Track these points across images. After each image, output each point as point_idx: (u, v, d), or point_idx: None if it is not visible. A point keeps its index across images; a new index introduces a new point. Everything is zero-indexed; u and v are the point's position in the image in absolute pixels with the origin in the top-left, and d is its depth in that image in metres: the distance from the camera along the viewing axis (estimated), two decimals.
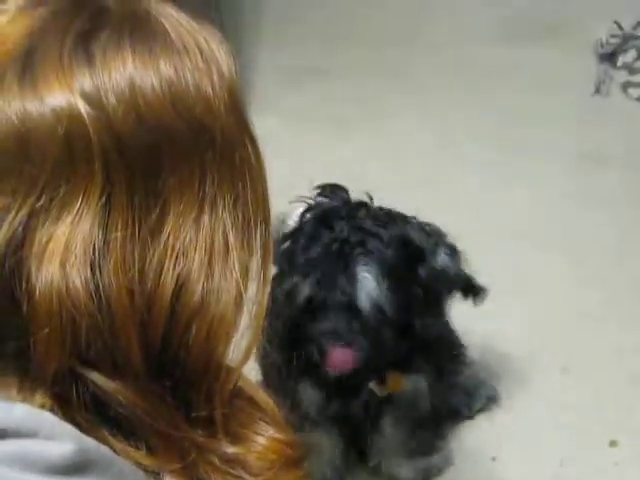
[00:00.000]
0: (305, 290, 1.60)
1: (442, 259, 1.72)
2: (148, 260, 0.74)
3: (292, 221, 1.68)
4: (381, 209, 1.74)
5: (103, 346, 0.73)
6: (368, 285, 1.59)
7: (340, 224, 1.63)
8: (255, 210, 0.81)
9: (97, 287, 0.72)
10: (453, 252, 1.76)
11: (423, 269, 1.69)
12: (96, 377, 0.73)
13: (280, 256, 1.64)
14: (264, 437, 0.82)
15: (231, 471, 0.79)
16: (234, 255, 0.77)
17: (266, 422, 0.84)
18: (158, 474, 0.77)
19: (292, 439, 0.85)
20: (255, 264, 0.81)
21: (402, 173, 3.24)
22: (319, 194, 1.75)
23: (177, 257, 0.75)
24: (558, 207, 3.07)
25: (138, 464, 0.75)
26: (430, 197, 3.11)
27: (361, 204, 1.72)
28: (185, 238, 0.75)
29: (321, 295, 1.60)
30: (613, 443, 2.13)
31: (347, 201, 1.72)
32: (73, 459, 0.70)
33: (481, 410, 2.25)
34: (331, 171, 3.18)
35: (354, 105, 3.53)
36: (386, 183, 3.10)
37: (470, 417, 2.22)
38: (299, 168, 3.12)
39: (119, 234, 0.72)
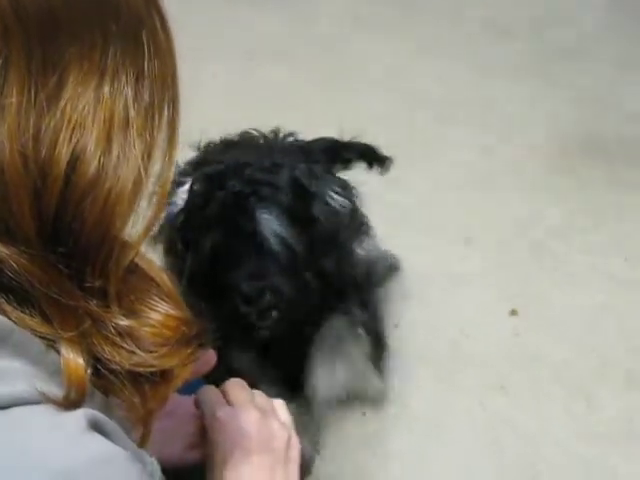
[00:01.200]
0: (207, 242, 1.56)
1: (334, 198, 1.68)
2: (43, 128, 0.70)
3: (181, 200, 1.63)
4: (266, 159, 1.69)
5: None
6: (271, 225, 1.56)
7: (231, 182, 1.58)
8: (161, 88, 0.78)
9: None
10: (344, 189, 1.71)
11: (318, 210, 1.65)
12: None
13: (178, 231, 1.60)
14: (159, 313, 0.80)
15: (124, 345, 0.77)
16: (134, 131, 0.75)
17: (162, 299, 0.81)
18: (54, 342, 0.74)
19: (187, 317, 0.83)
20: (160, 143, 0.78)
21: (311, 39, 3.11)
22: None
23: (74, 127, 0.71)
24: (462, 76, 3.00)
25: (34, 332, 0.73)
26: (338, 68, 3.04)
27: (245, 165, 1.64)
28: (83, 109, 0.72)
29: (227, 244, 1.56)
30: (513, 312, 2.10)
31: (231, 164, 1.66)
32: None
33: (382, 280, 2.17)
34: (238, 42, 3.10)
35: None
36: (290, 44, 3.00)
37: (372, 287, 2.14)
38: (207, 43, 3.00)
39: (14, 99, 0.68)
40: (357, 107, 2.80)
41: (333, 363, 1.75)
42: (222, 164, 1.64)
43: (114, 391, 0.79)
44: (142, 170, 0.75)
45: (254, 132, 1.86)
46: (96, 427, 0.70)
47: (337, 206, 1.67)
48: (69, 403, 0.70)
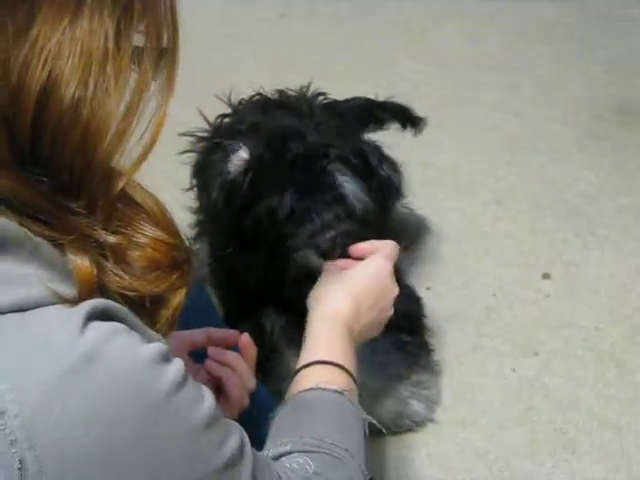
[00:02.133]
0: (287, 202, 1.47)
1: (386, 171, 1.64)
2: (13, 57, 0.68)
3: (234, 167, 1.53)
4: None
5: None
6: (347, 182, 1.50)
7: (294, 143, 1.50)
8: (154, 29, 0.75)
9: None
10: (394, 165, 1.66)
11: (375, 179, 1.60)
12: None
13: (247, 187, 1.51)
14: (146, 236, 0.79)
15: (112, 268, 0.76)
16: (117, 68, 0.72)
17: (151, 225, 0.80)
18: (63, 247, 0.74)
19: (177, 242, 0.81)
20: (153, 84, 0.76)
21: None
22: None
23: (46, 58, 0.69)
24: (495, 39, 2.93)
25: (42, 236, 0.72)
26: (370, 29, 2.97)
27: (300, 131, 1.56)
28: (58, 41, 0.69)
29: (304, 204, 1.48)
30: (546, 276, 2.04)
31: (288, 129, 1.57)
32: None
33: (414, 241, 2.12)
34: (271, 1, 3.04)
35: None
36: None
37: (404, 247, 2.08)
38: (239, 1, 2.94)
39: None
40: (390, 69, 2.74)
41: (376, 396, 1.68)
42: (277, 129, 1.56)
43: None
44: (127, 107, 0.73)
45: (290, 91, 1.80)
46: (104, 314, 0.71)
47: (389, 178, 1.62)
48: (82, 301, 0.70)
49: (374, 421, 1.14)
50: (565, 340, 1.89)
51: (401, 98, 2.03)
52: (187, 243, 0.83)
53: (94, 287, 0.73)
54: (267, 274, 1.53)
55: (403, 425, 1.70)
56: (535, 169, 2.36)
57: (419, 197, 2.08)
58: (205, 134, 1.76)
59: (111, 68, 0.71)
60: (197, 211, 1.80)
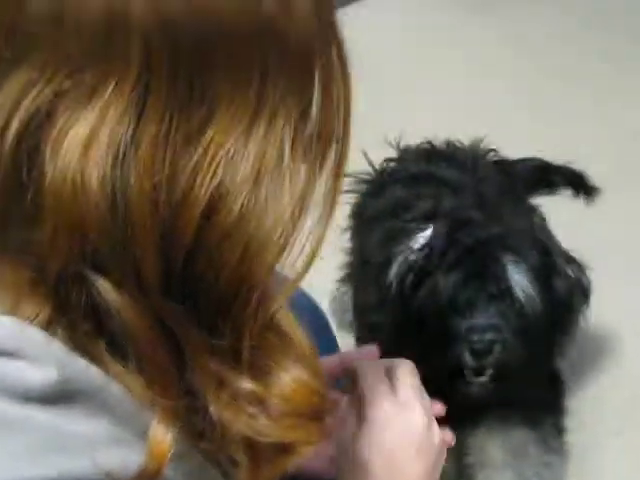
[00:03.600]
0: (449, 282, 1.40)
1: (569, 274, 1.53)
2: (181, 166, 0.60)
3: (418, 244, 1.48)
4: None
5: (115, 254, 0.61)
6: (519, 277, 1.40)
7: (474, 228, 1.44)
8: (328, 124, 0.66)
9: (115, 186, 0.59)
10: (581, 267, 1.55)
11: (560, 280, 1.49)
12: (102, 285, 0.61)
13: (419, 268, 1.45)
14: (291, 377, 0.69)
15: (247, 409, 0.67)
16: (287, 175, 0.64)
17: (297, 362, 0.70)
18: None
19: (322, 388, 0.72)
20: (318, 188, 0.67)
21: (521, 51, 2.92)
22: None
23: (217, 168, 0.61)
24: None
25: (129, 391, 0.65)
26: (547, 85, 2.85)
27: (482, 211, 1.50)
28: (230, 148, 0.61)
29: (467, 292, 1.41)
30: None
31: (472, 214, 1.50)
32: (53, 387, 0.60)
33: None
34: None
35: None
36: None
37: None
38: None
39: (152, 130, 0.60)
40: (568, 132, 2.61)
41: (500, 471, 1.58)
42: (461, 208, 1.49)
43: (222, 455, 0.71)
44: (292, 219, 0.64)
45: (458, 143, 1.74)
46: None
47: (577, 280, 1.52)
48: (144, 477, 0.63)
49: None
50: None
51: (576, 163, 1.94)
52: (327, 392, 0.73)
53: (163, 465, 0.63)
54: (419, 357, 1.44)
55: None
56: None
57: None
58: (367, 177, 1.73)
59: (284, 176, 0.63)
60: (349, 253, 1.76)
